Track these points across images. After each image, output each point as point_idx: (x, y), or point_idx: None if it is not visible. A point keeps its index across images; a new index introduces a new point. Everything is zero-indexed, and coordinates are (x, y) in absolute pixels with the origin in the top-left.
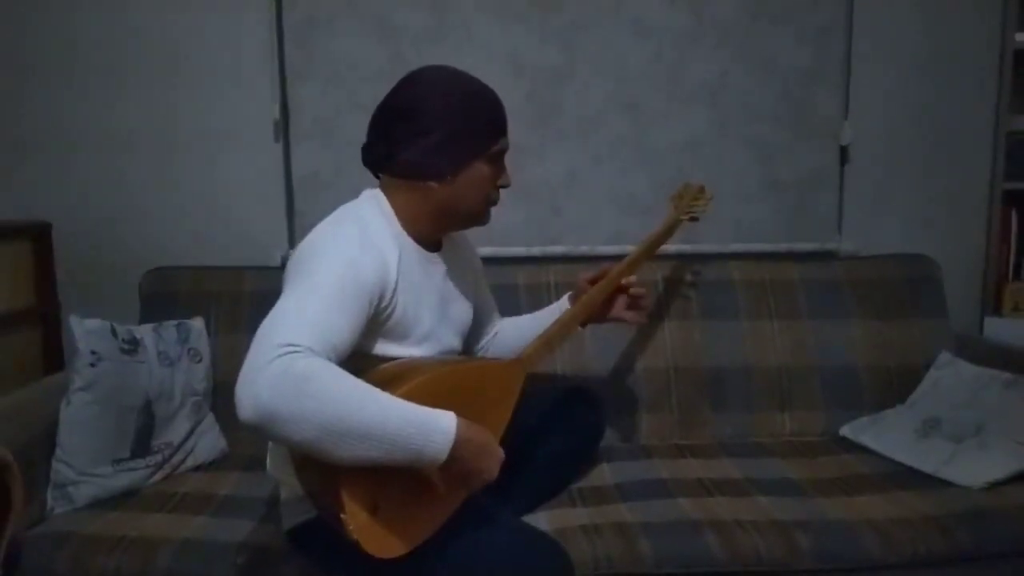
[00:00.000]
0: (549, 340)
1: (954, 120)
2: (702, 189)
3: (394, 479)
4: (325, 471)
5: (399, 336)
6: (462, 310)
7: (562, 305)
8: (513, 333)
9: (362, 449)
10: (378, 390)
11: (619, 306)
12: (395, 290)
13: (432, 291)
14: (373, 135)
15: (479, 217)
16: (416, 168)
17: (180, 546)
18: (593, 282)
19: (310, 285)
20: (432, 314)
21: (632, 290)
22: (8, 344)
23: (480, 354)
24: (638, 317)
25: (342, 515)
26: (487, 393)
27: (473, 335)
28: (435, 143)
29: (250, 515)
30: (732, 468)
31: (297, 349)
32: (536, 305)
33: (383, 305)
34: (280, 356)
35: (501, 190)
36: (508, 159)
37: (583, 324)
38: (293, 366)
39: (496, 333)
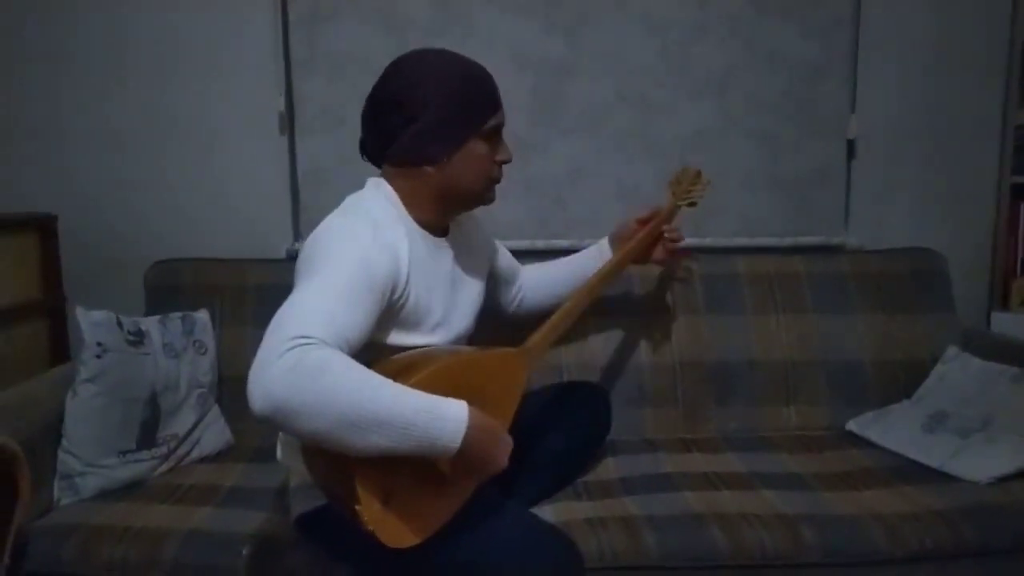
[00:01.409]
0: (555, 326)
1: (962, 114)
2: (698, 174)
3: (406, 469)
4: (337, 462)
5: (412, 325)
6: (473, 294)
7: (602, 249)
8: (554, 281)
9: (375, 439)
10: (389, 380)
11: (659, 251)
12: (407, 280)
13: (442, 277)
14: (366, 128)
15: (482, 196)
16: (411, 154)
17: (186, 537)
18: (644, 223)
19: (323, 277)
20: (443, 301)
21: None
22: (14, 336)
23: (513, 308)
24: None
25: (357, 506)
26: (495, 383)
27: (501, 297)
28: (426, 127)
29: (256, 506)
30: (737, 462)
31: (310, 341)
32: None
33: (396, 296)
34: (292, 348)
35: (506, 177)
36: (512, 147)
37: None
38: (305, 358)
39: (521, 288)
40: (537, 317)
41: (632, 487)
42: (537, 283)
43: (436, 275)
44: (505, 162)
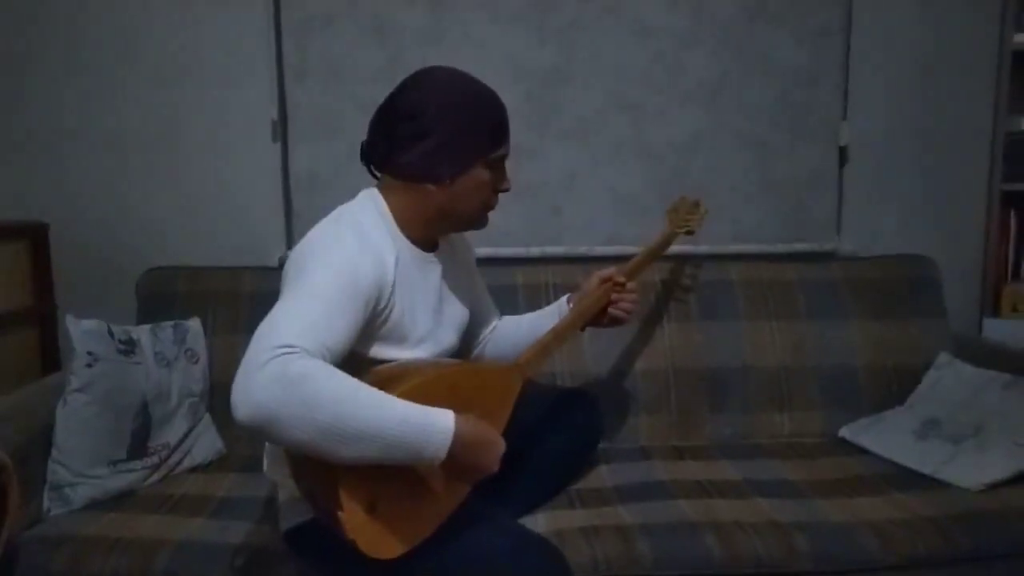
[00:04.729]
0: (547, 346)
1: (953, 121)
2: (697, 203)
3: (392, 478)
4: (322, 470)
5: (397, 339)
6: (459, 309)
7: (560, 306)
8: (511, 334)
9: (359, 449)
10: (375, 389)
11: (607, 316)
12: (392, 292)
13: (429, 292)
14: (374, 134)
15: (476, 221)
16: (415, 170)
17: (177, 548)
18: (606, 280)
19: (308, 287)
20: (429, 315)
21: (615, 295)
22: (5, 345)
23: (476, 352)
24: (618, 313)
25: (339, 513)
26: (484, 396)
27: (469, 334)
28: (436, 146)
29: (247, 517)
30: (731, 470)
31: (293, 350)
32: (535, 305)
33: (380, 307)
34: (276, 357)
35: (500, 194)
36: (507, 159)
37: (582, 328)
38: (289, 367)
39: (494, 330)
40: None
41: (626, 495)
42: (500, 333)
43: (423, 289)
44: (504, 191)
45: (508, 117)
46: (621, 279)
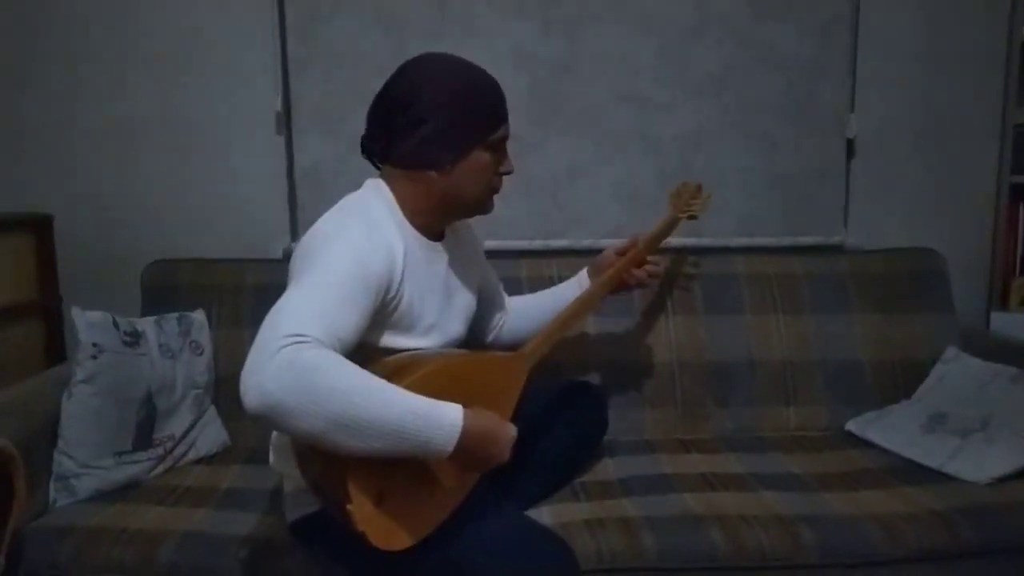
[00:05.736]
0: (551, 334)
1: (961, 113)
2: (699, 188)
3: (400, 470)
4: (330, 462)
5: (405, 328)
6: (466, 299)
7: (581, 280)
8: (536, 311)
9: (367, 440)
10: (384, 382)
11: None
12: (401, 281)
13: (436, 281)
14: (372, 126)
15: (482, 205)
16: (415, 158)
17: (182, 539)
18: (621, 253)
19: (318, 276)
20: (437, 305)
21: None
22: (10, 336)
23: (492, 337)
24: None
25: (348, 506)
26: (491, 386)
27: (482, 321)
28: (433, 132)
29: (252, 508)
30: (736, 463)
31: (304, 339)
32: None
33: (389, 296)
34: (287, 346)
35: (504, 178)
36: (511, 151)
37: (604, 297)
38: (300, 356)
39: (504, 315)
40: (514, 347)
41: (630, 488)
42: (518, 313)
43: (430, 278)
44: (507, 174)
45: (504, 98)
46: (642, 245)
